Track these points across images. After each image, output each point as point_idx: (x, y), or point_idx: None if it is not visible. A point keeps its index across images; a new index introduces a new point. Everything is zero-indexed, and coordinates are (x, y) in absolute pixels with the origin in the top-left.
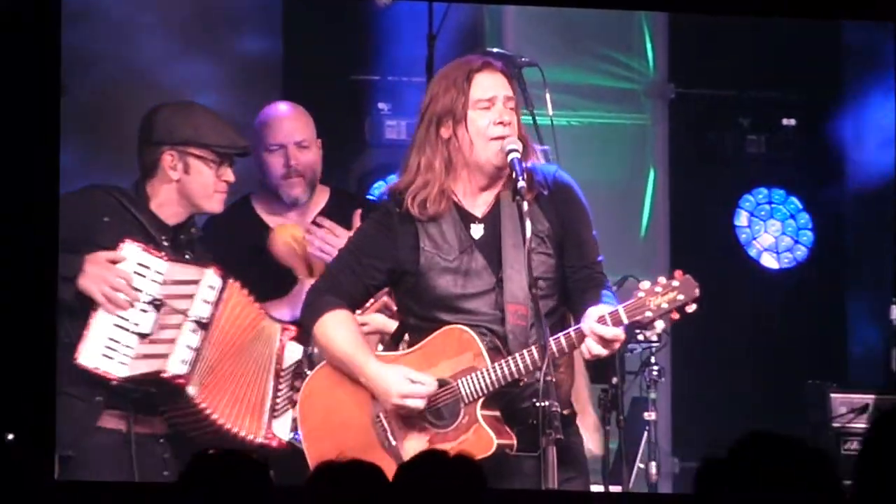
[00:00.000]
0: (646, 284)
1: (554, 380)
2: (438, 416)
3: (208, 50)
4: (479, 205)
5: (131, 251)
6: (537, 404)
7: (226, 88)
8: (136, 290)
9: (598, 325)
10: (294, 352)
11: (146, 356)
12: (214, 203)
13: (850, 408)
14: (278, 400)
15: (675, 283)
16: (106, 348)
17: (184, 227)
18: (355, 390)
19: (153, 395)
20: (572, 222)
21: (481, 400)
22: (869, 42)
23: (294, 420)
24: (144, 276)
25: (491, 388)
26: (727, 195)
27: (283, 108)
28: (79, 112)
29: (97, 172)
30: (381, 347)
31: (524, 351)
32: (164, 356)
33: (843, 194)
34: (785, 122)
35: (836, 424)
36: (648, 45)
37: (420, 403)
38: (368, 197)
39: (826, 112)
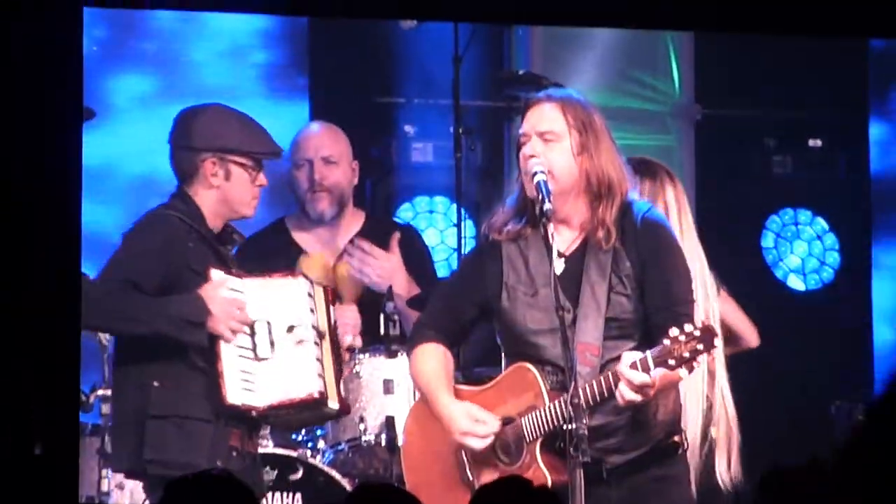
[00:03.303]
0: (674, 331)
1: (580, 401)
2: (507, 452)
3: (235, 75)
4: (565, 240)
5: (219, 277)
6: (565, 427)
7: (253, 112)
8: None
9: (630, 371)
10: None
11: (282, 381)
12: (250, 209)
13: None
14: None
15: (697, 333)
16: (243, 381)
17: (226, 236)
18: None
19: (298, 419)
20: (655, 263)
21: (540, 439)
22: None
23: None
24: (218, 292)
25: (548, 427)
26: (753, 216)
27: (314, 126)
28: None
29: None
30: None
31: (579, 389)
32: (304, 378)
33: (870, 215)
34: (811, 142)
35: None
36: (674, 67)
37: (479, 443)
38: (396, 220)
39: (852, 132)
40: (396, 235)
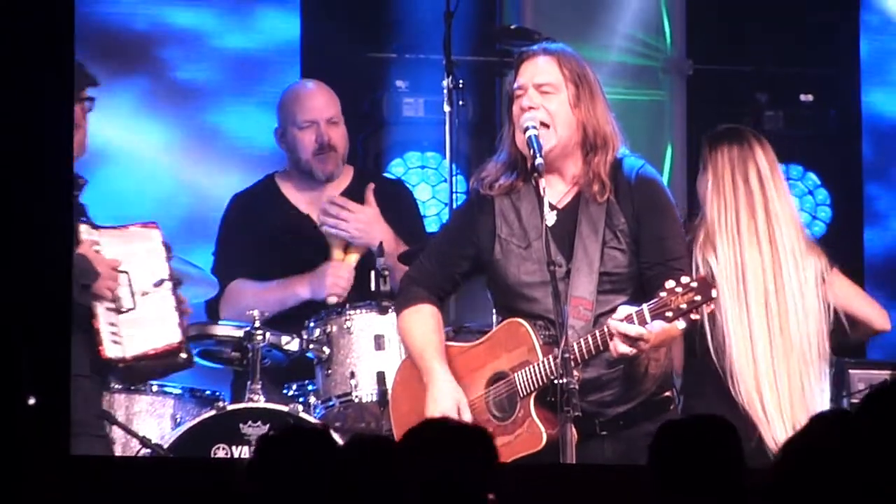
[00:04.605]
0: (670, 283)
1: (570, 355)
2: (500, 408)
3: (230, 29)
4: (558, 193)
5: (87, 232)
6: (556, 381)
7: (245, 66)
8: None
9: (624, 324)
10: None
11: (144, 331)
12: (84, 146)
13: (868, 384)
14: None
15: (694, 285)
16: (111, 335)
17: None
18: None
19: (153, 369)
20: (650, 219)
21: (535, 394)
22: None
23: None
24: (99, 253)
25: (542, 382)
26: None
27: (310, 85)
28: None
29: None
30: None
31: (573, 344)
32: (164, 328)
33: (861, 169)
34: (803, 97)
35: (854, 400)
36: (666, 22)
37: None
38: (386, 175)
39: (844, 87)
40: (371, 186)
